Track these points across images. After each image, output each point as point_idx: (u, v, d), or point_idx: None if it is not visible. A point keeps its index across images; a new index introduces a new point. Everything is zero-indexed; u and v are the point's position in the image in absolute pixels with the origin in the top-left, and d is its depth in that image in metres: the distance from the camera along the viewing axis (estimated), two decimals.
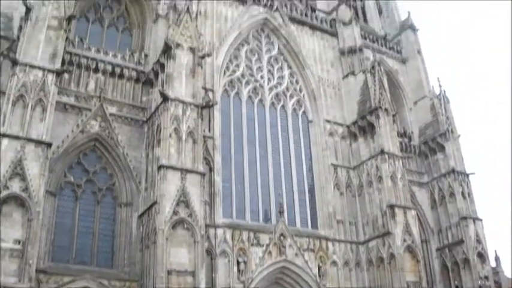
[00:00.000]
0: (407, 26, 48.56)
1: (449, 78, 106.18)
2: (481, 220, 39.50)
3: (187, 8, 31.97)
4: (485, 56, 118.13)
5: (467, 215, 38.98)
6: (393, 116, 38.25)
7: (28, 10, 26.82)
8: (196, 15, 33.48)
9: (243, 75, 37.03)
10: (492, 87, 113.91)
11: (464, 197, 39.79)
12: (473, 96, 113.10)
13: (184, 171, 27.26)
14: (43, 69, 25.68)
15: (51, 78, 25.79)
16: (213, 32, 36.79)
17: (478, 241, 38.35)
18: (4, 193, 22.75)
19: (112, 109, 30.07)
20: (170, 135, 27.85)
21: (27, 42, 25.95)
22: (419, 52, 47.10)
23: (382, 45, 46.33)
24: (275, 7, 40.49)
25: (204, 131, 30.66)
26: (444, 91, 43.79)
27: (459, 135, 42.38)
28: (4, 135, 23.47)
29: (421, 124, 43.82)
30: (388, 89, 39.68)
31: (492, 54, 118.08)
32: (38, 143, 24.21)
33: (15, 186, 23.12)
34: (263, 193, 34.06)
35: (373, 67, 39.36)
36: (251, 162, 34.53)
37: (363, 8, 50.70)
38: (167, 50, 30.29)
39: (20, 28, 27.42)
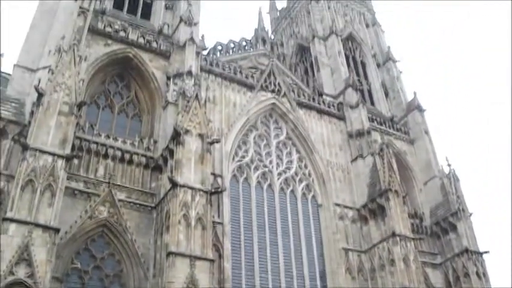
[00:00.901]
0: (414, 107, 48.84)
1: (458, 155, 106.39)
2: None
3: (196, 95, 32.31)
4: (492, 131, 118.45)
5: None
6: (403, 197, 37.93)
7: (40, 96, 27.19)
8: (205, 101, 33.69)
9: (252, 161, 37.14)
10: (501, 161, 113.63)
11: (479, 277, 38.76)
12: (484, 172, 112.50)
13: (193, 258, 26.66)
14: (53, 154, 25.67)
15: (60, 163, 25.73)
16: (221, 118, 37.25)
17: None
18: (9, 279, 22.13)
19: (121, 195, 29.83)
20: (179, 222, 27.42)
21: (38, 127, 26.13)
22: (426, 132, 47.18)
23: (389, 127, 46.54)
24: (283, 92, 41.24)
25: (213, 217, 30.36)
26: (453, 170, 43.53)
27: (471, 214, 41.70)
28: (12, 220, 23.13)
29: (431, 204, 43.25)
30: (397, 171, 39.58)
31: (499, 128, 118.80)
32: (46, 228, 23.78)
33: (21, 272, 22.51)
34: (273, 279, 33.32)
35: (381, 149, 39.43)
36: (261, 247, 34.05)
37: (369, 91, 51.30)
38: (176, 136, 30.40)
39: (32, 113, 27.74)
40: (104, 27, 35.92)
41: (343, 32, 53.86)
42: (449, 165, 43.80)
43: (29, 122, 27.42)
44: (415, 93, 49.90)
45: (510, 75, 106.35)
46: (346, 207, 38.49)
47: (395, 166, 39.31)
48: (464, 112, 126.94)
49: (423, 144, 46.46)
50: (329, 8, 55.75)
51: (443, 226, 41.45)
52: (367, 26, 58.12)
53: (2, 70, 33.96)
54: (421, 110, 48.73)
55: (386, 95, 51.34)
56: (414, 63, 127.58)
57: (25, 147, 25.29)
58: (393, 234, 35.14)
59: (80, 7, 33.51)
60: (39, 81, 29.56)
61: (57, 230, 24.32)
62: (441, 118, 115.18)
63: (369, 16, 59.62)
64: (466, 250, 39.61)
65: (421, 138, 46.81)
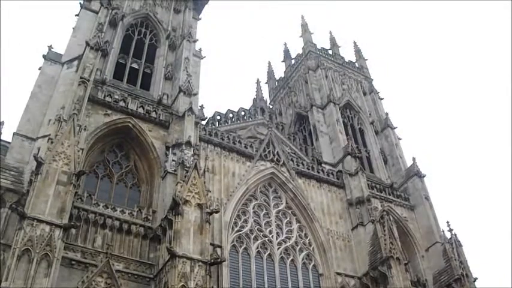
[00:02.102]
0: (413, 173, 48.72)
1: (460, 219, 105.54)
2: None
3: (195, 165, 32.13)
4: (493, 193, 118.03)
5: None
6: (405, 264, 37.26)
7: (39, 165, 27.20)
8: (204, 171, 33.52)
9: (251, 231, 36.80)
10: (504, 224, 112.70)
11: None
12: (487, 236, 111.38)
13: None
14: (51, 223, 25.40)
15: (58, 233, 25.43)
16: (220, 187, 37.19)
17: None
18: None
19: (119, 265, 29.32)
20: None
21: (36, 196, 25.99)
22: (427, 198, 46.87)
23: (389, 194, 46.35)
24: (282, 162, 41.31)
25: (213, 287, 29.85)
26: (455, 235, 42.82)
27: (475, 279, 40.76)
28: None
29: (434, 271, 42.38)
30: (399, 237, 39.12)
31: (500, 191, 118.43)
32: None
33: None
34: None
35: (382, 217, 39.07)
36: None
37: (368, 158, 51.37)
38: (175, 207, 30.12)
39: (30, 182, 27.64)
40: (104, 97, 36.31)
41: (341, 101, 54.49)
42: (450, 230, 43.12)
43: (27, 191, 27.32)
44: (414, 159, 49.93)
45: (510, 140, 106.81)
46: (347, 276, 37.78)
47: (396, 233, 38.92)
48: (465, 175, 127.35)
49: (424, 210, 46.07)
50: (326, 77, 56.60)
51: None
52: (365, 93, 58.88)
53: (2, 138, 34.17)
54: (420, 175, 48.55)
55: (386, 161, 51.40)
56: (413, 128, 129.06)
57: (22, 216, 25.04)
58: None
59: (81, 77, 33.98)
60: (39, 150, 29.76)
61: None
62: (442, 182, 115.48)
63: (366, 84, 60.48)
64: None
65: (421, 204, 46.47)
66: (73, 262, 28.14)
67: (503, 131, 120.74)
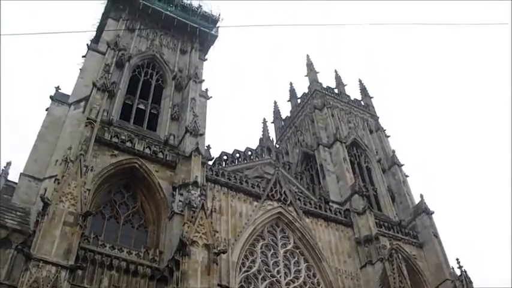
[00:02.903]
0: (422, 210, 48.35)
1: (470, 256, 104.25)
2: None
3: (202, 205, 32.05)
4: (501, 226, 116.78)
5: None
6: None
7: (46, 205, 27.19)
8: (211, 211, 33.30)
9: (259, 271, 36.48)
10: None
11: None
12: (498, 274, 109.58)
13: None
14: (57, 265, 25.27)
15: (64, 274, 25.27)
16: (228, 228, 37.03)
17: None
18: None
19: None
20: None
21: (42, 237, 25.91)
22: (436, 235, 46.39)
23: (397, 232, 45.94)
24: (289, 201, 41.15)
25: None
26: (465, 271, 42.24)
27: None
28: None
29: None
30: (408, 275, 38.54)
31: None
32: None
33: None
34: None
35: (390, 255, 38.64)
36: None
37: (376, 196, 51.11)
38: (182, 247, 29.93)
39: (37, 222, 27.55)
40: (111, 137, 36.46)
41: (348, 139, 54.54)
42: (460, 267, 42.53)
43: (34, 232, 27.22)
44: (421, 196, 49.61)
45: None
46: None
47: (405, 271, 38.46)
48: (474, 211, 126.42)
49: (433, 247, 45.53)
50: (332, 115, 56.80)
51: None
52: (371, 131, 58.96)
53: (9, 179, 34.34)
54: (428, 213, 48.15)
55: (393, 199, 51.15)
56: (420, 164, 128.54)
57: (28, 257, 24.94)
58: None
59: (88, 118, 34.27)
60: (45, 191, 29.73)
61: None
62: (450, 219, 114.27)
63: (372, 122, 60.63)
64: None
65: (430, 242, 45.93)
66: None
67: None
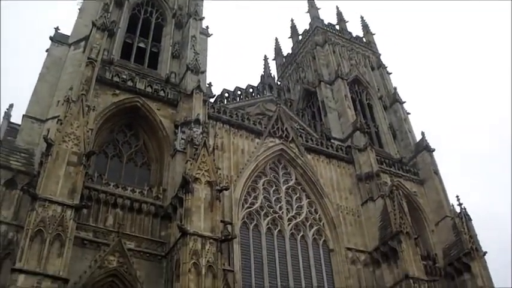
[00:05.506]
0: (423, 148, 48.59)
1: (469, 193, 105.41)
2: None
3: (204, 142, 32.11)
4: (503, 166, 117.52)
5: None
6: (415, 239, 37.34)
7: (49, 146, 27.32)
8: (213, 149, 33.38)
9: (261, 207, 36.91)
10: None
11: None
12: (496, 209, 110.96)
13: None
14: (62, 204, 25.60)
15: (69, 213, 25.61)
16: (230, 165, 37.27)
17: None
18: None
19: (130, 244, 29.55)
20: (189, 271, 26.89)
21: (47, 177, 26.15)
22: (436, 172, 46.74)
23: (398, 169, 46.29)
24: (291, 138, 41.28)
25: (224, 264, 29.84)
26: (465, 209, 42.63)
27: (485, 253, 40.65)
28: (21, 271, 22.92)
29: (444, 245, 42.44)
30: (408, 212, 39.28)
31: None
32: (55, 279, 23.48)
33: None
34: None
35: (391, 192, 39.10)
36: None
37: (377, 133, 51.29)
38: (185, 185, 30.18)
39: (41, 163, 27.80)
40: (112, 77, 36.27)
41: (349, 76, 54.32)
42: (460, 204, 42.96)
43: (38, 172, 27.50)
44: (423, 134, 49.83)
45: None
46: (358, 251, 37.98)
47: (406, 208, 39.09)
48: (474, 149, 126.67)
49: (433, 184, 45.98)
50: (334, 52, 56.37)
51: (457, 267, 40.48)
52: (373, 68, 58.67)
53: (12, 121, 34.39)
54: (429, 150, 48.39)
55: (394, 136, 51.35)
56: (422, 102, 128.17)
57: (34, 198, 25.24)
58: (406, 277, 34.48)
59: (88, 58, 33.93)
60: (48, 132, 29.81)
61: (66, 281, 24.07)
62: (451, 156, 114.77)
63: (374, 59, 60.29)
64: None
65: (431, 179, 46.37)
66: (85, 242, 28.39)
67: None
